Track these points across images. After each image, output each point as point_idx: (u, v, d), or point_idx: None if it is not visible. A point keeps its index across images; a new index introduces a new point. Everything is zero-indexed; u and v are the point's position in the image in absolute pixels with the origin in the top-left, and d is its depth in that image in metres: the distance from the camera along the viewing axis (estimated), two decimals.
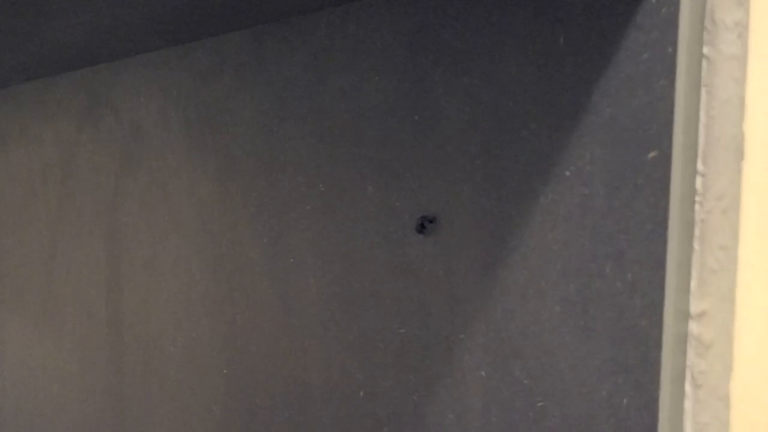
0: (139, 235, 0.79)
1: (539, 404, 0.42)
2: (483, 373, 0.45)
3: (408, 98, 0.50)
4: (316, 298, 0.58)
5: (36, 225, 0.97)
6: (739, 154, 0.36)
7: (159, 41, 0.71)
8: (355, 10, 0.53)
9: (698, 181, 0.38)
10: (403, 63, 0.50)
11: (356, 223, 0.54)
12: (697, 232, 0.38)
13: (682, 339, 0.38)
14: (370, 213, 0.53)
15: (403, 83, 0.50)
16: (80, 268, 0.88)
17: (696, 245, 0.38)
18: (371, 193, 0.53)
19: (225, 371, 0.68)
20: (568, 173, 0.40)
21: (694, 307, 0.38)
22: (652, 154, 0.37)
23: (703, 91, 0.38)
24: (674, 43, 0.36)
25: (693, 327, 0.38)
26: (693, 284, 0.38)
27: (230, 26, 0.64)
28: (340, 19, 0.55)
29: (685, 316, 0.38)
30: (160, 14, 0.61)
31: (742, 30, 0.37)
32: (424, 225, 0.48)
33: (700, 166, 0.38)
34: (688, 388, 0.38)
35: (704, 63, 0.38)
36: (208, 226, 0.69)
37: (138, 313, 0.80)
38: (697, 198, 0.38)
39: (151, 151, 0.76)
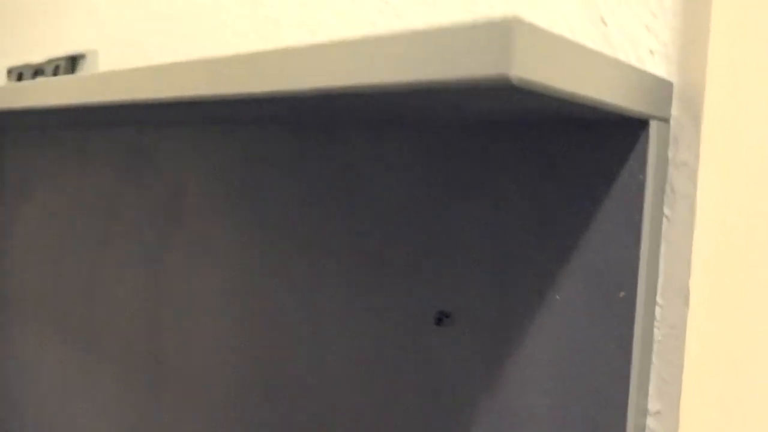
0: (181, 280, 0.88)
1: None
2: None
3: (426, 211, 0.61)
4: (340, 373, 0.69)
5: (76, 260, 1.06)
6: (687, 294, 0.48)
7: (202, 121, 0.80)
8: (382, 132, 0.64)
9: (657, 311, 0.49)
10: (419, 182, 0.61)
11: (382, 311, 0.65)
12: (655, 349, 0.50)
13: (641, 430, 0.50)
14: (395, 303, 0.64)
15: (420, 199, 0.61)
16: (122, 303, 0.98)
17: (654, 360, 0.50)
18: (397, 287, 0.63)
19: (260, 422, 0.79)
20: (558, 297, 0.52)
21: (651, 406, 0.50)
22: (621, 294, 0.48)
23: (663, 243, 0.49)
24: (641, 209, 0.48)
25: (650, 422, 0.50)
26: (651, 389, 0.50)
27: (271, 120, 0.73)
28: (371, 136, 0.65)
29: (644, 413, 0.50)
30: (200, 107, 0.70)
31: (692, 200, 0.48)
32: (441, 319, 0.59)
33: (659, 300, 0.49)
34: None
35: (664, 222, 0.49)
36: (246, 286, 0.79)
37: (177, 349, 0.89)
38: (656, 324, 0.50)
39: (194, 209, 0.86)
